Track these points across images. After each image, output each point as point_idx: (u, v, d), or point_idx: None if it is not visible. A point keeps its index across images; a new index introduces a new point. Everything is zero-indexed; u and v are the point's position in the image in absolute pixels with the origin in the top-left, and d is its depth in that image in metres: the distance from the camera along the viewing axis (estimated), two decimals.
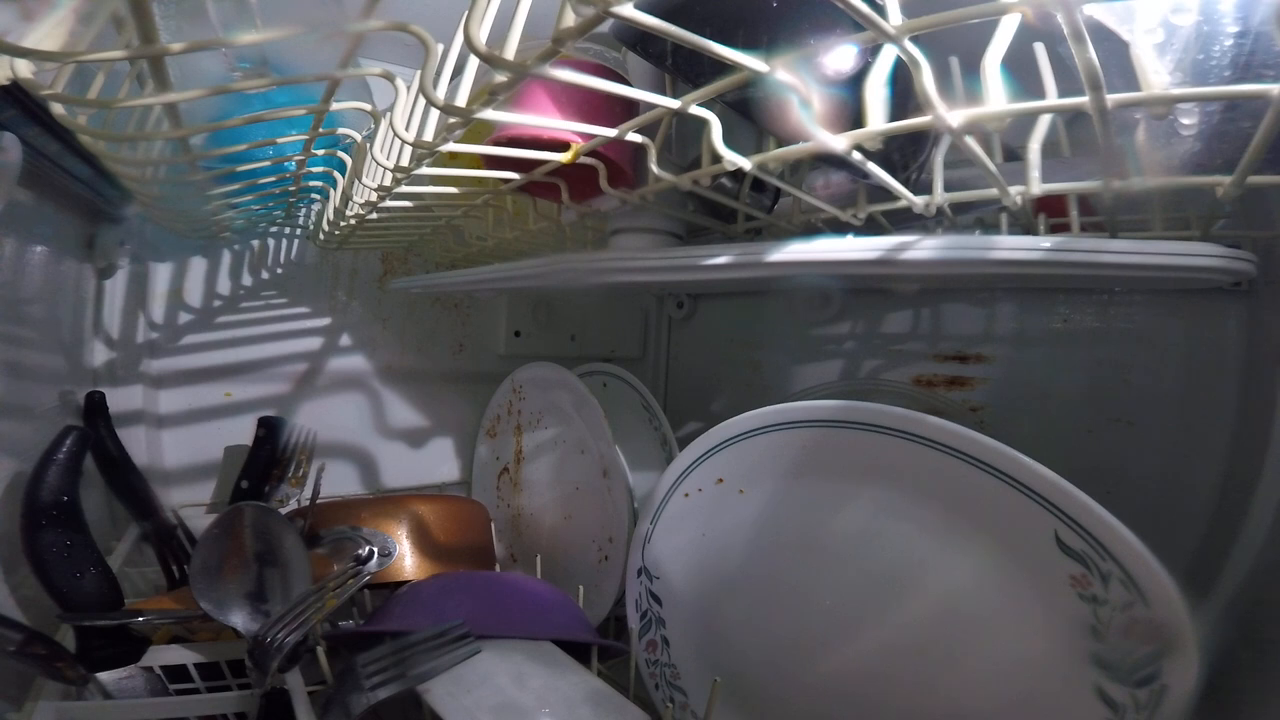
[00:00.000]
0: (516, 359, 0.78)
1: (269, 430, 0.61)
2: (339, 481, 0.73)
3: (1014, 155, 0.44)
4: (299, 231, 0.71)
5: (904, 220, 0.45)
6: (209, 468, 0.66)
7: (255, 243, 0.69)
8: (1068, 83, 0.26)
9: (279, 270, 0.70)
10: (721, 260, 0.34)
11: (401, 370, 0.77)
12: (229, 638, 0.44)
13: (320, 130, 0.36)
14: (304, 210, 0.68)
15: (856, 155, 0.27)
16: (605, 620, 0.60)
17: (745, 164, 0.28)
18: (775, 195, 0.51)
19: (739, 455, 0.47)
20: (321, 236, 0.60)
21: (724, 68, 0.22)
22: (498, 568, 0.64)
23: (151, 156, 0.40)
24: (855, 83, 0.24)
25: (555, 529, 0.69)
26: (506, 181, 0.39)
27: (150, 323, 0.63)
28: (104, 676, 0.39)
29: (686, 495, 0.49)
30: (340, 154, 0.43)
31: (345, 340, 0.74)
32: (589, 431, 0.63)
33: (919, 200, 0.34)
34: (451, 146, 0.30)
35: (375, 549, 0.52)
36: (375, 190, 0.39)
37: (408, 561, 0.55)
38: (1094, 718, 0.34)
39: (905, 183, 0.32)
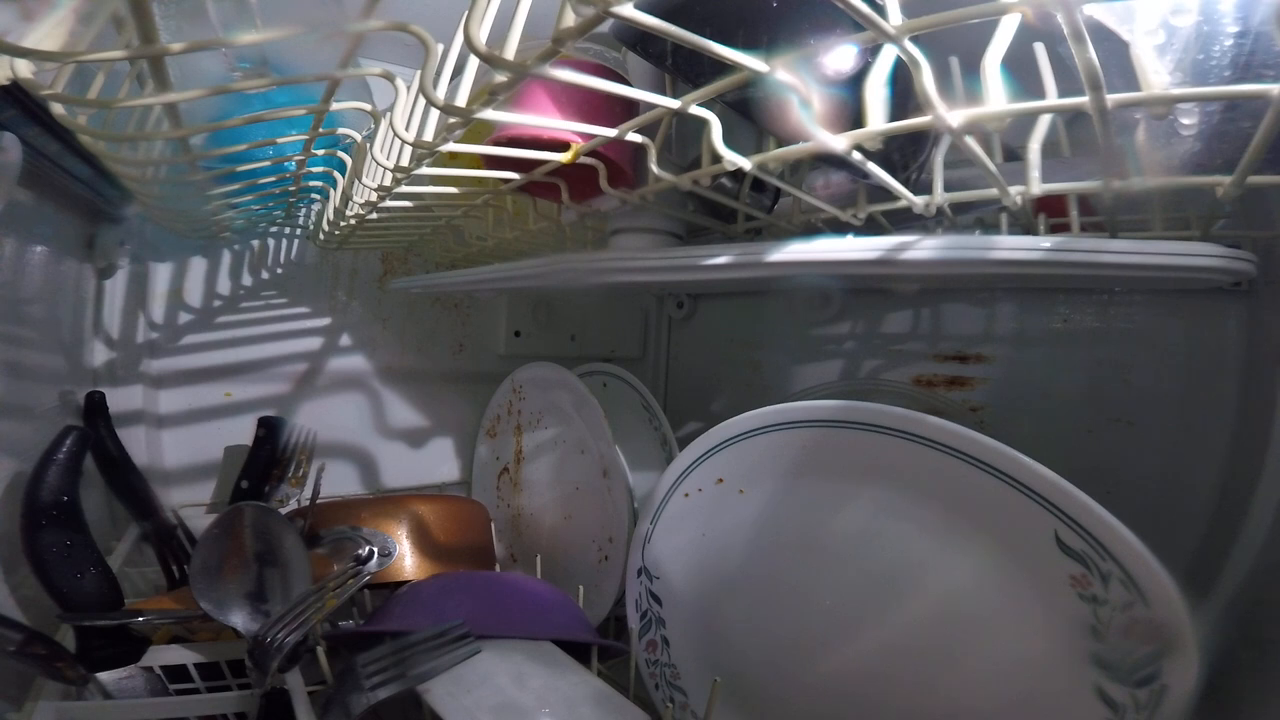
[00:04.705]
0: (516, 359, 0.78)
1: (269, 430, 0.61)
2: (339, 481, 0.73)
3: (1014, 155, 0.44)
4: (299, 231, 0.71)
5: (904, 220, 0.45)
6: (209, 468, 0.66)
7: (255, 243, 0.69)
8: (1068, 83, 0.26)
9: (279, 270, 0.70)
10: (721, 260, 0.34)
11: (401, 370, 0.77)
12: (229, 638, 0.44)
13: (320, 130, 0.36)
14: (304, 210, 0.68)
15: (856, 155, 0.27)
16: (605, 620, 0.59)
17: (745, 164, 0.28)
18: (775, 195, 0.51)
19: (739, 455, 0.47)
20: (321, 236, 0.60)
21: (724, 68, 0.22)
22: (498, 568, 0.64)
23: (151, 156, 0.40)
24: (855, 83, 0.24)
25: (555, 529, 0.69)
26: (506, 181, 0.39)
27: (150, 323, 0.63)
28: (104, 676, 0.39)
29: (686, 495, 0.49)
30: (340, 154, 0.43)
31: (345, 340, 0.74)
32: (589, 431, 0.63)
33: (919, 200, 0.34)
34: (451, 146, 0.30)
35: (375, 549, 0.52)
36: (375, 190, 0.39)
37: (408, 561, 0.55)
38: (1094, 718, 0.34)
39: (905, 183, 0.32)
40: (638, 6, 0.17)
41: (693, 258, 0.35)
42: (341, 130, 0.40)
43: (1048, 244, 0.30)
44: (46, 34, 0.23)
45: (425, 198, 0.45)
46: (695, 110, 0.26)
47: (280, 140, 0.39)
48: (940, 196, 0.36)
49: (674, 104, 0.26)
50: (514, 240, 0.53)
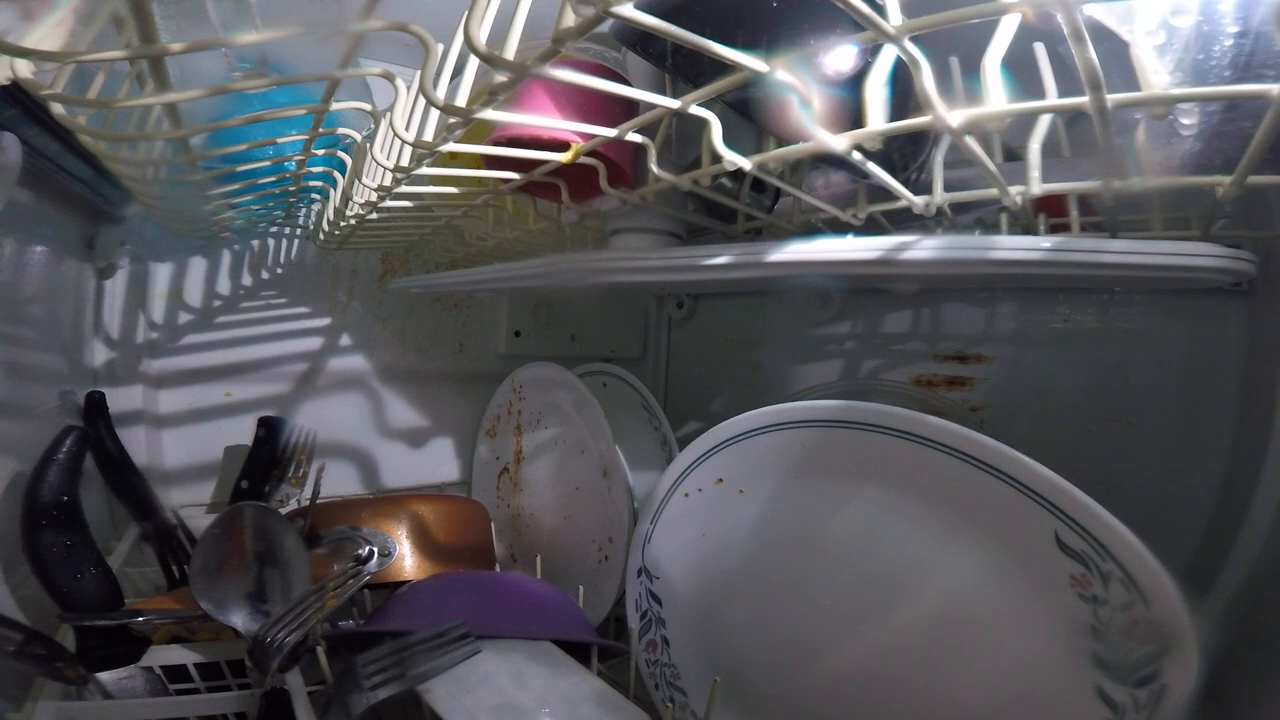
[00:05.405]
0: (516, 359, 0.78)
1: (269, 430, 0.61)
2: (339, 481, 0.73)
3: (1014, 155, 0.44)
4: (299, 231, 0.71)
5: (904, 220, 0.45)
6: (209, 468, 0.66)
7: (255, 243, 0.69)
8: (1068, 83, 0.26)
9: (279, 270, 0.70)
10: (721, 260, 0.34)
11: (401, 370, 0.77)
12: (229, 638, 0.44)
13: (320, 130, 0.36)
14: (304, 210, 0.68)
15: (856, 155, 0.27)
16: (605, 620, 0.60)
17: (745, 164, 0.28)
18: (775, 195, 0.51)
19: (739, 455, 0.47)
20: (321, 236, 0.60)
21: (724, 68, 0.22)
22: (498, 568, 0.64)
23: (152, 156, 0.40)
24: (855, 83, 0.24)
25: (555, 529, 0.69)
26: (506, 181, 0.39)
27: (150, 323, 0.63)
28: (104, 676, 0.39)
29: (686, 495, 0.49)
30: (340, 154, 0.43)
31: (345, 340, 0.74)
32: (589, 431, 0.63)
33: (919, 200, 0.34)
34: (451, 146, 0.30)
35: (375, 549, 0.52)
36: (375, 190, 0.39)
37: (408, 561, 0.55)
38: (1094, 718, 0.34)
39: (905, 183, 0.32)
40: (638, 6, 0.17)
41: (693, 258, 0.35)
42: (341, 130, 0.40)
43: (1048, 244, 0.30)
44: (46, 34, 0.23)
45: (425, 198, 0.45)
46: (695, 110, 0.26)
47: (280, 140, 0.40)
48: (940, 196, 0.36)
49: (674, 104, 0.26)
50: (514, 240, 0.53)
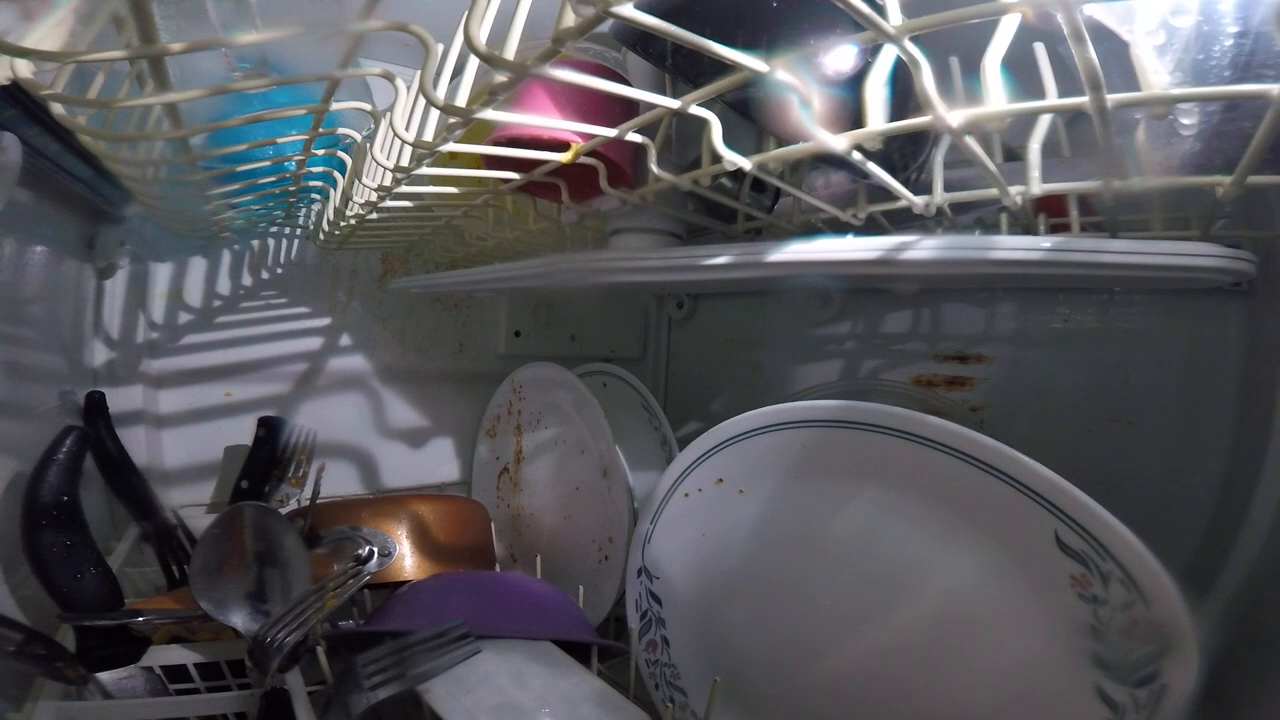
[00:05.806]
0: (516, 359, 0.78)
1: (269, 430, 0.61)
2: (339, 481, 0.73)
3: (1014, 155, 0.44)
4: (299, 231, 0.71)
5: (904, 220, 0.45)
6: (209, 468, 0.66)
7: (255, 243, 0.69)
8: (1068, 83, 0.26)
9: (279, 270, 0.70)
10: (721, 260, 0.34)
11: (401, 370, 0.77)
12: (229, 638, 0.44)
13: (320, 130, 0.36)
14: (304, 210, 0.68)
15: (856, 155, 0.27)
16: (605, 620, 0.60)
17: (745, 164, 0.28)
18: (775, 195, 0.51)
19: (739, 455, 0.47)
20: (321, 236, 0.60)
21: (724, 68, 0.22)
22: (498, 568, 0.64)
23: (151, 156, 0.40)
24: (855, 83, 0.25)
25: (555, 529, 0.69)
26: (506, 181, 0.39)
27: (150, 323, 0.63)
28: (104, 676, 0.39)
29: (686, 495, 0.49)
30: (340, 154, 0.43)
31: (345, 340, 0.74)
32: (589, 431, 0.63)
33: (919, 200, 0.34)
34: (451, 146, 0.30)
35: (375, 549, 0.52)
36: (375, 190, 0.39)
37: (408, 561, 0.55)
38: (1094, 718, 0.34)
39: (905, 183, 0.32)
40: (638, 6, 0.17)
41: (693, 258, 0.35)
42: (341, 130, 0.40)
43: (1048, 244, 0.30)
44: (46, 34, 0.22)
45: (425, 198, 0.45)
46: (695, 110, 0.26)
47: (280, 140, 0.40)
48: (940, 196, 0.36)
49: (674, 104, 0.26)
50: (514, 240, 0.53)
